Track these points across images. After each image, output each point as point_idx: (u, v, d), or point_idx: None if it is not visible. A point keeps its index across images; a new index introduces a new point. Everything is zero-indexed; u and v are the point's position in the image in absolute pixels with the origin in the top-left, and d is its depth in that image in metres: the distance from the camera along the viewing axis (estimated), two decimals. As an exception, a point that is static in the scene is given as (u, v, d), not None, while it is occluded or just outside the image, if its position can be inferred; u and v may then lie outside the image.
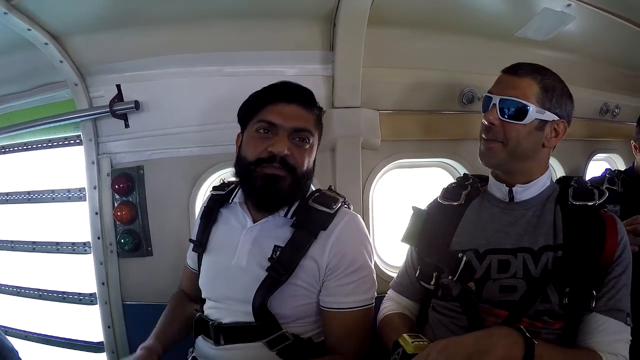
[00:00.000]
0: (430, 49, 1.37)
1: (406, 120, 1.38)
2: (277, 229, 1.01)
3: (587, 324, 0.84)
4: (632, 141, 1.54)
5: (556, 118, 0.93)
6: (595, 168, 1.86)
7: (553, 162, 1.71)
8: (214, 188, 1.16)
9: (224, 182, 1.17)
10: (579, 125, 1.73)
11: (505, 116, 0.92)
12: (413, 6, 1.26)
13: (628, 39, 1.57)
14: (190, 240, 1.13)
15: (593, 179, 1.54)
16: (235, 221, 1.07)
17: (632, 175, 1.54)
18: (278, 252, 0.97)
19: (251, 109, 1.01)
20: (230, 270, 1.01)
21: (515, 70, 0.94)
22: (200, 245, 1.09)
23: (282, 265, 0.95)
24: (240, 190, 1.07)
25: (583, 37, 1.52)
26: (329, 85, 1.30)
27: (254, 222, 1.03)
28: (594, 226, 0.87)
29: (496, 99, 0.93)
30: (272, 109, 0.97)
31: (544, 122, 0.92)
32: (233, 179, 1.12)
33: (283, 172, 0.95)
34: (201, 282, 1.08)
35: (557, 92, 0.93)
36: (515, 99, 0.91)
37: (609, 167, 1.94)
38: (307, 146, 1.00)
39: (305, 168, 0.99)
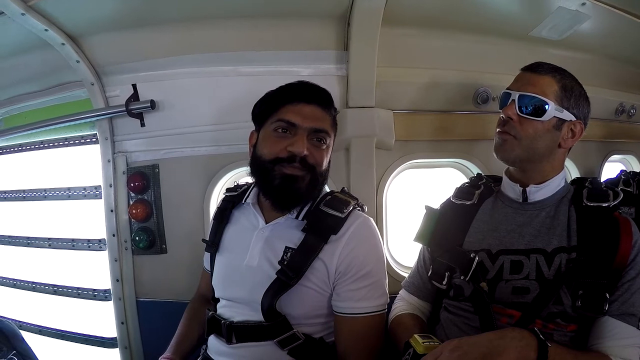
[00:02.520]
0: (444, 49, 1.36)
1: (420, 121, 1.37)
2: (288, 230, 1.01)
3: (599, 328, 0.83)
4: None
5: (574, 118, 0.93)
6: (611, 169, 1.83)
7: (567, 162, 1.69)
8: (228, 190, 1.17)
9: (237, 185, 1.19)
10: (594, 125, 1.70)
11: (524, 112, 0.91)
12: (427, 5, 1.26)
13: (645, 39, 1.55)
14: (203, 240, 1.14)
15: (608, 181, 1.52)
16: (247, 221, 1.08)
17: (648, 176, 1.51)
18: (288, 255, 0.97)
19: (269, 108, 1.01)
20: (241, 270, 1.01)
21: (535, 68, 0.94)
22: (213, 245, 1.11)
23: (291, 269, 0.94)
24: (252, 191, 1.08)
25: (598, 36, 1.50)
26: (343, 85, 1.31)
27: (266, 222, 1.04)
28: (608, 228, 0.86)
29: (515, 95, 0.92)
30: (291, 108, 0.97)
31: (561, 122, 0.92)
32: (245, 179, 1.14)
33: (302, 172, 0.96)
34: (214, 282, 1.10)
35: (576, 93, 0.93)
36: (534, 95, 0.91)
37: (624, 168, 1.91)
38: (324, 146, 1.00)
39: (323, 168, 1.00)
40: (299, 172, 0.95)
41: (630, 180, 1.47)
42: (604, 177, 1.76)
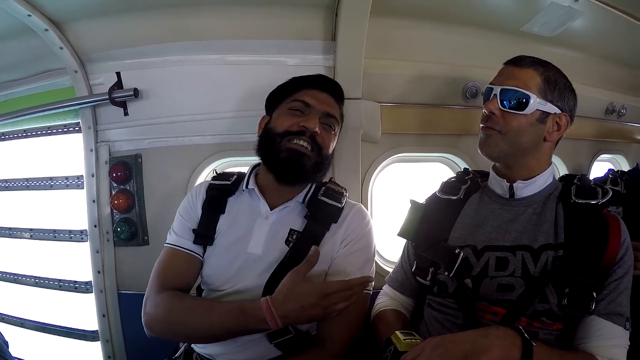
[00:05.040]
0: (434, 42, 1.35)
1: (408, 114, 1.36)
2: (293, 215, 1.05)
3: (585, 327, 0.82)
4: None
5: (558, 111, 0.92)
6: (599, 169, 1.84)
7: (556, 160, 1.69)
8: (214, 178, 1.14)
9: (223, 173, 1.16)
10: (584, 124, 1.71)
11: (506, 107, 0.90)
12: (417, -3, 1.25)
13: (637, 39, 1.54)
14: (194, 231, 1.05)
15: (596, 179, 1.51)
16: (247, 209, 1.06)
17: (636, 175, 1.51)
18: (294, 237, 1.01)
19: (286, 91, 1.08)
20: (244, 259, 1.00)
21: (518, 62, 0.93)
22: (207, 236, 1.05)
23: (300, 252, 0.96)
24: (251, 177, 1.09)
25: (591, 34, 1.49)
26: (329, 76, 1.27)
27: (271, 209, 1.04)
28: (596, 226, 0.85)
29: (497, 89, 0.91)
30: (308, 92, 1.06)
31: (545, 115, 0.91)
32: (226, 170, 1.13)
33: (309, 149, 1.01)
34: (208, 273, 1.05)
35: (560, 85, 0.92)
36: (516, 88, 0.89)
37: (612, 167, 1.91)
38: (333, 132, 1.08)
39: (329, 151, 1.07)
40: (306, 149, 1.01)
41: (617, 179, 1.46)
42: (592, 176, 1.76)
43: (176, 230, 1.08)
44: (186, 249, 1.05)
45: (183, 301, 0.98)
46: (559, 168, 1.70)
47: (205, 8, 1.25)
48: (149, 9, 1.26)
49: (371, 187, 1.38)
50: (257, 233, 1.02)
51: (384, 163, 1.39)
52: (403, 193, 1.40)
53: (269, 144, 1.03)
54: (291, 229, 1.02)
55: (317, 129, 1.00)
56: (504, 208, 0.95)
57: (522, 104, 0.89)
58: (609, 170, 1.59)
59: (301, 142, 1.00)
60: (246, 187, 1.08)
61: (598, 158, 1.86)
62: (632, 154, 2.00)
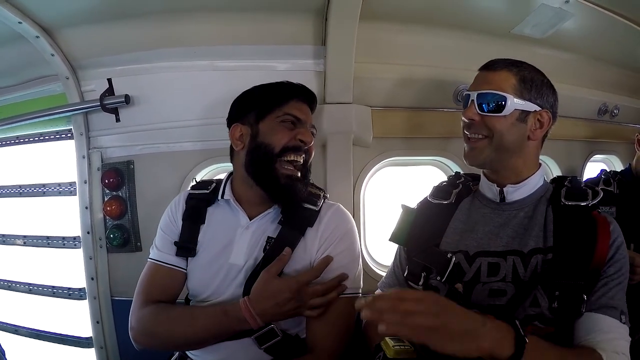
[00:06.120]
0: (424, 45, 1.35)
1: (399, 117, 1.36)
2: (270, 223, 1.02)
3: (582, 325, 0.80)
4: (637, 134, 1.51)
5: (538, 108, 0.91)
6: (593, 169, 1.84)
7: (549, 162, 1.69)
8: (193, 187, 1.12)
9: (202, 181, 1.14)
10: (577, 125, 1.71)
11: (485, 111, 0.90)
12: (406, 0, 1.24)
13: (629, 39, 1.54)
14: (176, 244, 1.04)
15: (588, 180, 1.52)
16: (226, 219, 1.04)
17: (628, 176, 1.51)
18: (270, 244, 0.99)
19: (274, 100, 1.02)
20: (227, 269, 0.99)
21: (491, 66, 0.93)
22: (188, 248, 1.04)
23: (276, 253, 0.96)
24: (227, 186, 1.06)
25: (582, 35, 1.50)
26: (320, 81, 1.29)
27: (251, 218, 1.02)
28: (585, 228, 0.84)
29: (474, 95, 0.91)
30: (297, 104, 1.03)
31: (525, 113, 0.91)
32: (206, 178, 1.11)
33: (299, 171, 1.00)
34: (192, 286, 1.04)
35: (537, 83, 0.92)
36: (491, 91, 0.89)
37: (605, 168, 1.92)
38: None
39: (311, 159, 1.06)
40: (299, 171, 1.00)
41: (610, 180, 1.47)
42: (585, 176, 1.77)
43: (158, 245, 1.07)
44: (169, 264, 1.04)
45: (167, 311, 0.99)
46: (552, 169, 1.70)
47: (195, 14, 1.24)
48: (140, 16, 1.26)
49: (363, 192, 1.37)
50: (238, 243, 1.01)
51: (375, 167, 1.39)
52: (396, 197, 1.40)
53: (265, 164, 0.99)
54: (268, 237, 1.00)
55: (312, 143, 1.01)
56: (495, 212, 0.95)
57: (500, 105, 0.89)
58: (602, 170, 1.59)
59: (297, 159, 0.99)
60: (222, 197, 1.05)
61: (591, 159, 1.86)
62: (625, 154, 2.00)
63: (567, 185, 0.93)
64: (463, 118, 0.94)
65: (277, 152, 0.98)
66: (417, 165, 1.52)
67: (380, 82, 1.33)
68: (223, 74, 1.30)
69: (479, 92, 0.90)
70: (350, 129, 1.29)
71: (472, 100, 0.91)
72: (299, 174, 1.00)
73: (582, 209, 0.87)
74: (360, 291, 1.02)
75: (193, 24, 1.26)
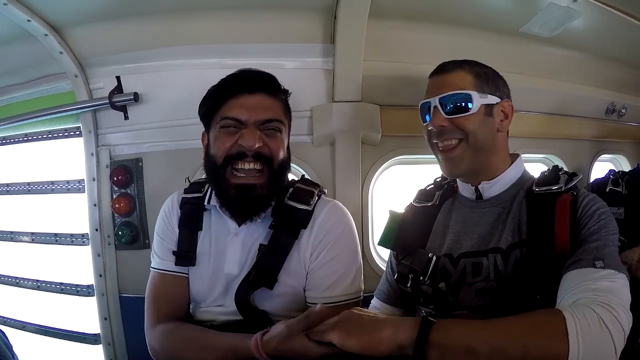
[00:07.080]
0: (433, 43, 1.34)
1: (407, 115, 1.35)
2: (262, 228, 0.98)
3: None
4: None
5: (499, 100, 0.91)
6: (600, 169, 1.83)
7: (557, 161, 1.68)
8: (187, 191, 1.06)
9: (196, 182, 1.08)
10: (584, 124, 1.70)
11: (452, 113, 0.88)
12: (416, -1, 1.24)
13: (637, 38, 1.53)
14: (175, 253, 1.01)
15: (597, 180, 1.51)
16: (218, 225, 1.01)
17: (637, 176, 1.50)
18: (261, 254, 0.94)
19: (212, 106, 0.94)
20: (224, 279, 0.98)
21: (441, 69, 0.92)
22: (188, 257, 1.00)
23: (265, 271, 0.92)
24: (213, 192, 1.00)
25: (590, 34, 1.49)
26: (329, 79, 1.29)
27: (239, 224, 0.98)
28: (546, 213, 0.80)
29: (435, 101, 0.89)
30: (234, 102, 0.91)
31: (490, 107, 0.90)
32: (200, 178, 1.08)
33: (257, 176, 0.91)
34: (194, 292, 1.02)
35: (490, 76, 0.92)
36: (454, 92, 0.88)
37: (613, 168, 1.91)
38: (279, 135, 0.94)
39: (281, 158, 0.94)
40: (253, 178, 0.91)
41: (619, 180, 1.46)
42: (593, 176, 1.76)
43: (158, 253, 1.04)
44: (172, 272, 1.02)
45: (177, 334, 0.95)
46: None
47: (204, 12, 1.25)
48: (148, 14, 1.26)
49: (372, 190, 1.37)
50: (230, 251, 0.97)
51: (384, 165, 1.39)
52: (404, 196, 1.39)
53: (215, 176, 0.93)
54: (260, 244, 0.95)
55: (257, 144, 0.89)
56: (474, 211, 0.93)
57: (467, 104, 0.88)
58: (610, 170, 1.58)
59: (246, 167, 0.90)
60: (208, 202, 1.01)
61: (599, 158, 1.85)
62: (633, 154, 1.99)
63: (543, 173, 0.90)
64: (430, 128, 0.92)
65: (221, 163, 0.91)
66: (426, 164, 1.51)
67: (389, 81, 1.32)
68: (231, 72, 1.30)
69: (441, 96, 0.89)
70: (359, 127, 1.29)
71: (435, 106, 0.89)
72: (258, 182, 0.91)
73: (551, 195, 0.83)
74: (362, 293, 0.99)
75: (202, 22, 1.26)
